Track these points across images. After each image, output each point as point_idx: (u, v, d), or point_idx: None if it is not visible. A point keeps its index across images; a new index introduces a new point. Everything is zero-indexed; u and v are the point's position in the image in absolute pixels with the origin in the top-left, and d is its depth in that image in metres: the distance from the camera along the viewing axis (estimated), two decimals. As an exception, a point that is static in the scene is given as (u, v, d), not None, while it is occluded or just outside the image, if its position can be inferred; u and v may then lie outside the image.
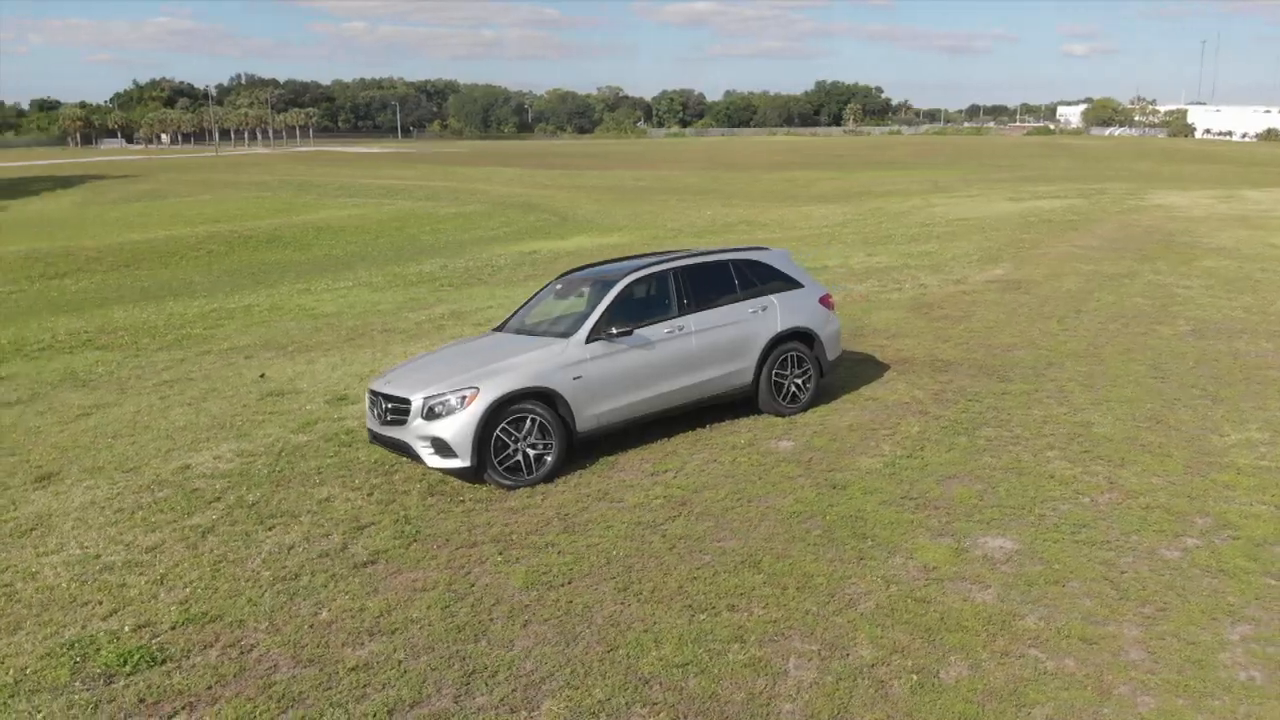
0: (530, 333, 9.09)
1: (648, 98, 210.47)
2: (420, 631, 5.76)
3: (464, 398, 7.94)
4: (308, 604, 6.24)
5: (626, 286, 9.02)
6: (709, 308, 9.30)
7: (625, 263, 9.76)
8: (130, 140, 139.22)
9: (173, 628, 6.06)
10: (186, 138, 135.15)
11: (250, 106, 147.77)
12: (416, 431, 8.00)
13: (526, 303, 9.95)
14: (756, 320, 9.51)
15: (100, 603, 6.57)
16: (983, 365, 11.56)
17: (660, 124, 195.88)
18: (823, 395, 10.31)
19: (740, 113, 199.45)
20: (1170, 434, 8.91)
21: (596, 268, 9.86)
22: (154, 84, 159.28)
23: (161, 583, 6.81)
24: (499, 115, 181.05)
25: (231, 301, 23.48)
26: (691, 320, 9.13)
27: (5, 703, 5.30)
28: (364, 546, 7.10)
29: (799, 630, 5.59)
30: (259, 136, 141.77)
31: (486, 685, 5.15)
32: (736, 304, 9.45)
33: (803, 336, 9.81)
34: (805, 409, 9.82)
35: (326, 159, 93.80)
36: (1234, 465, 8.08)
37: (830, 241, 28.30)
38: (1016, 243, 24.31)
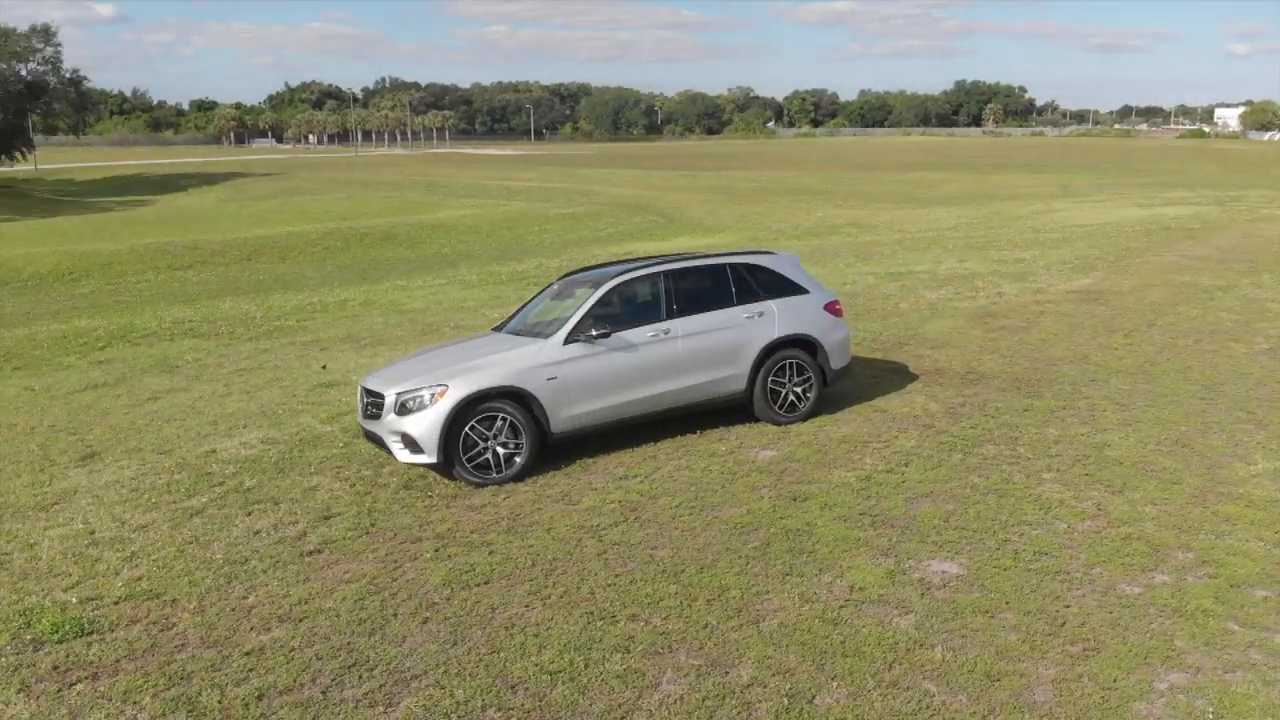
0: (522, 333, 9.15)
1: (779, 98, 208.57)
2: (325, 621, 5.88)
3: (434, 394, 8.06)
4: (240, 588, 6.46)
5: (611, 289, 8.98)
6: (699, 312, 9.14)
7: (620, 265, 9.71)
8: (280, 140, 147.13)
9: (115, 602, 6.38)
10: (332, 138, 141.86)
11: (392, 109, 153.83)
12: (389, 426, 8.18)
13: (528, 303, 10.01)
14: (751, 326, 9.29)
15: (69, 575, 6.97)
16: (1019, 379, 10.97)
17: (791, 124, 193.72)
18: (829, 405, 10.00)
19: (874, 113, 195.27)
20: (1190, 459, 8.25)
21: (596, 270, 9.84)
22: (304, 86, 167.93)
23: (131, 559, 7.18)
24: (628, 117, 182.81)
25: (331, 296, 24.50)
26: (678, 324, 9.00)
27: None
28: (319, 536, 7.30)
29: (688, 644, 5.44)
30: (398, 138, 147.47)
31: (359, 679, 5.22)
32: (730, 309, 9.26)
33: (803, 344, 9.53)
34: (804, 418, 9.54)
35: (457, 160, 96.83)
36: (1246, 497, 7.42)
37: (930, 246, 27.41)
38: (1121, 251, 22.99)
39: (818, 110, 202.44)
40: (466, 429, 8.05)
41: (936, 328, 14.16)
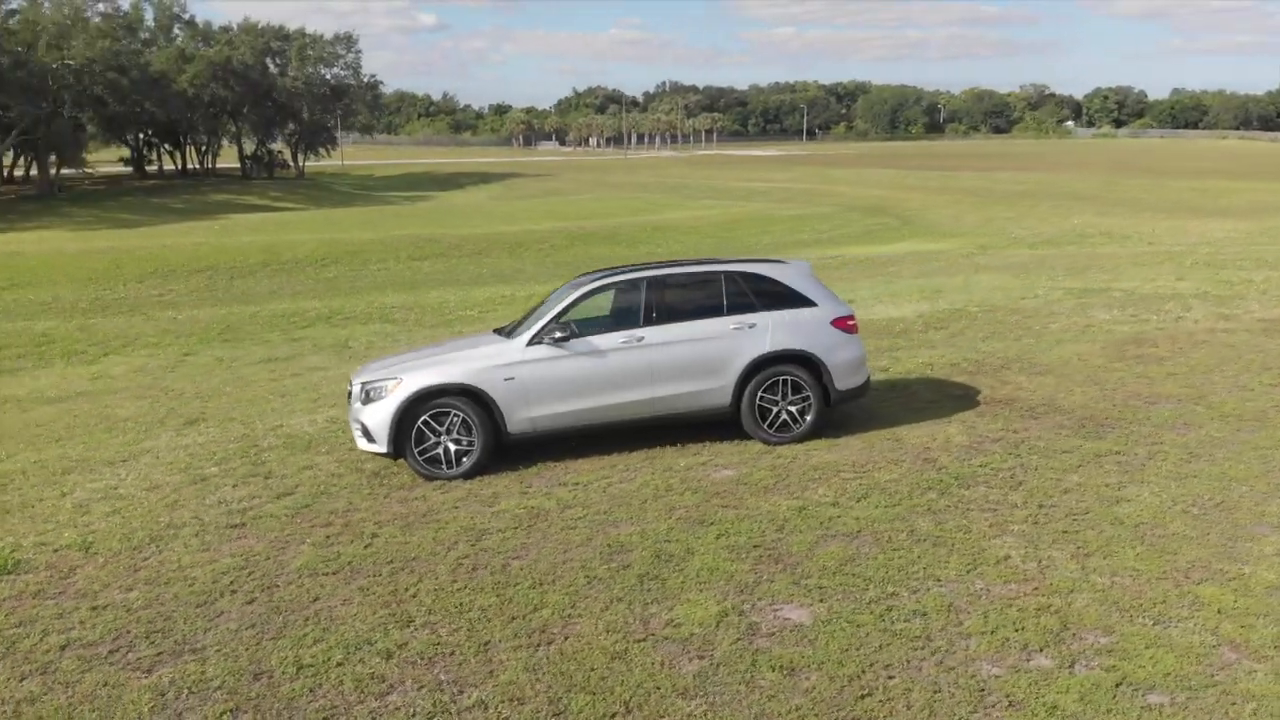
0: (510, 333, 9.21)
1: (1077, 95, 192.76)
2: (177, 589, 6.29)
3: (390, 387, 8.34)
4: (153, 550, 7.05)
5: (588, 292, 8.84)
6: (682, 320, 8.78)
7: (625, 269, 9.51)
8: (562, 143, 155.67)
9: (54, 550, 7.17)
10: (608, 141, 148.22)
11: (668, 112, 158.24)
12: (353, 415, 8.56)
13: (541, 304, 10.05)
14: (740, 338, 8.78)
15: (56, 521, 7.91)
16: (1094, 416, 9.61)
17: (1090, 124, 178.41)
18: (840, 427, 9.28)
19: (1187, 113, 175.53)
20: (1211, 527, 6.89)
21: (602, 272, 9.70)
22: (589, 91, 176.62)
23: (109, 514, 8.02)
24: (907, 116, 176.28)
25: (526, 290, 25.73)
26: (654, 332, 8.68)
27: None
28: (257, 511, 7.79)
29: (453, 658, 5.30)
30: (668, 141, 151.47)
31: (148, 644, 5.56)
32: (715, 319, 8.81)
33: (800, 360, 8.88)
34: (800, 440, 8.90)
35: (717, 162, 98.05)
36: (1240, 579, 6.10)
37: (1165, 261, 24.58)
38: (1381, 276, 19.36)
39: (1121, 109, 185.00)
40: (419, 423, 8.26)
41: (1061, 352, 12.67)
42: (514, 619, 5.73)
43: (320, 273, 33.91)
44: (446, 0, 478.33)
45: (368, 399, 8.44)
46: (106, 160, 77.52)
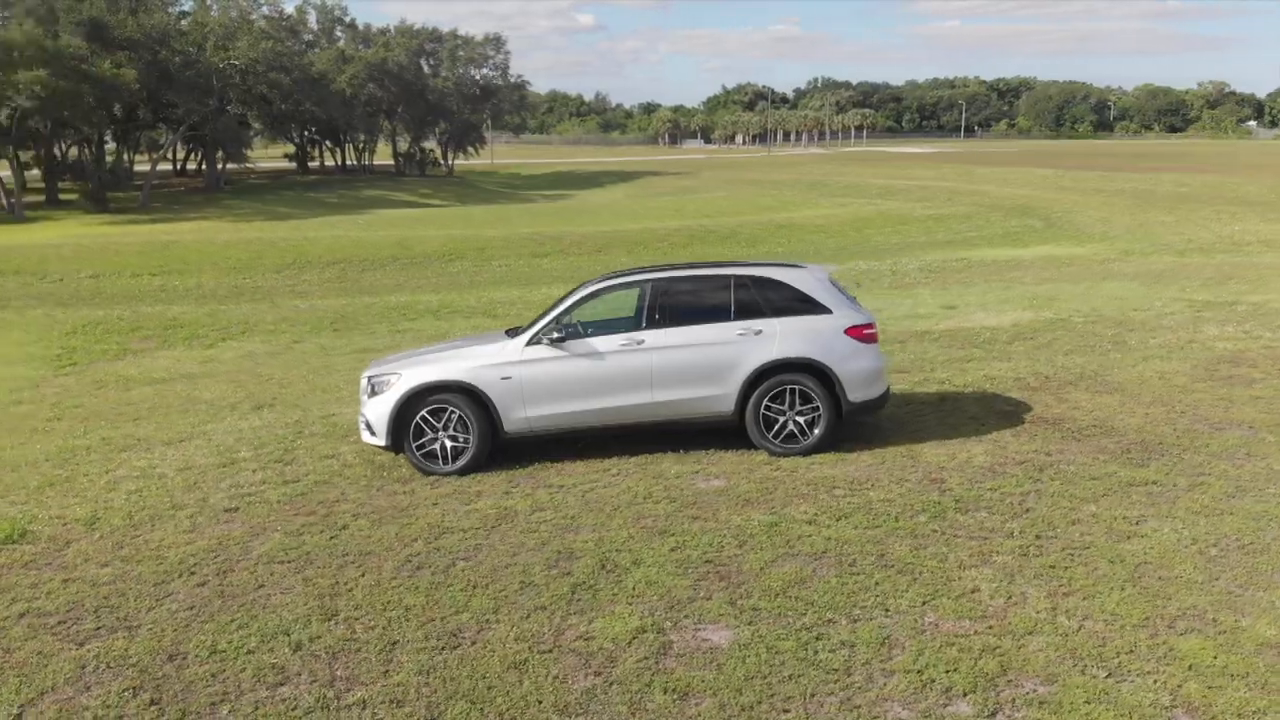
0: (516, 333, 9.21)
1: (1260, 94, 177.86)
2: (144, 568, 6.59)
3: (391, 382, 8.50)
4: (149, 530, 7.41)
5: (592, 293, 8.75)
6: (685, 324, 8.57)
7: (637, 270, 9.36)
8: (708, 141, 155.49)
9: (64, 523, 7.64)
10: (756, 139, 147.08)
11: (819, 109, 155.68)
12: (361, 407, 8.76)
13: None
14: (745, 344, 8.50)
15: (83, 496, 8.42)
16: (1146, 442, 8.84)
17: (1273, 124, 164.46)
18: (859, 439, 8.88)
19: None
20: (1221, 571, 6.21)
21: (617, 273, 9.58)
22: (738, 89, 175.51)
23: (133, 493, 8.48)
24: (1074, 113, 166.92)
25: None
26: (655, 335, 8.51)
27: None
28: (255, 496, 8.08)
29: (358, 656, 5.33)
30: (815, 138, 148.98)
31: (91, 618, 5.85)
32: (720, 324, 8.55)
33: (809, 369, 8.52)
34: (808, 452, 8.54)
35: (862, 159, 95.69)
36: (1231, 633, 5.47)
37: (1280, 274, 22.65)
38: None
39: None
40: (417, 418, 8.38)
41: (1144, 369, 11.73)
42: (431, 621, 5.73)
43: (445, 267, 34.98)
44: (606, 1, 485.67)
45: (373, 393, 8.63)
46: (272, 156, 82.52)
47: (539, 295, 25.60)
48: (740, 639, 5.46)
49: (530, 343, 8.49)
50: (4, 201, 48.34)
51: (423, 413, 8.37)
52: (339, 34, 74.23)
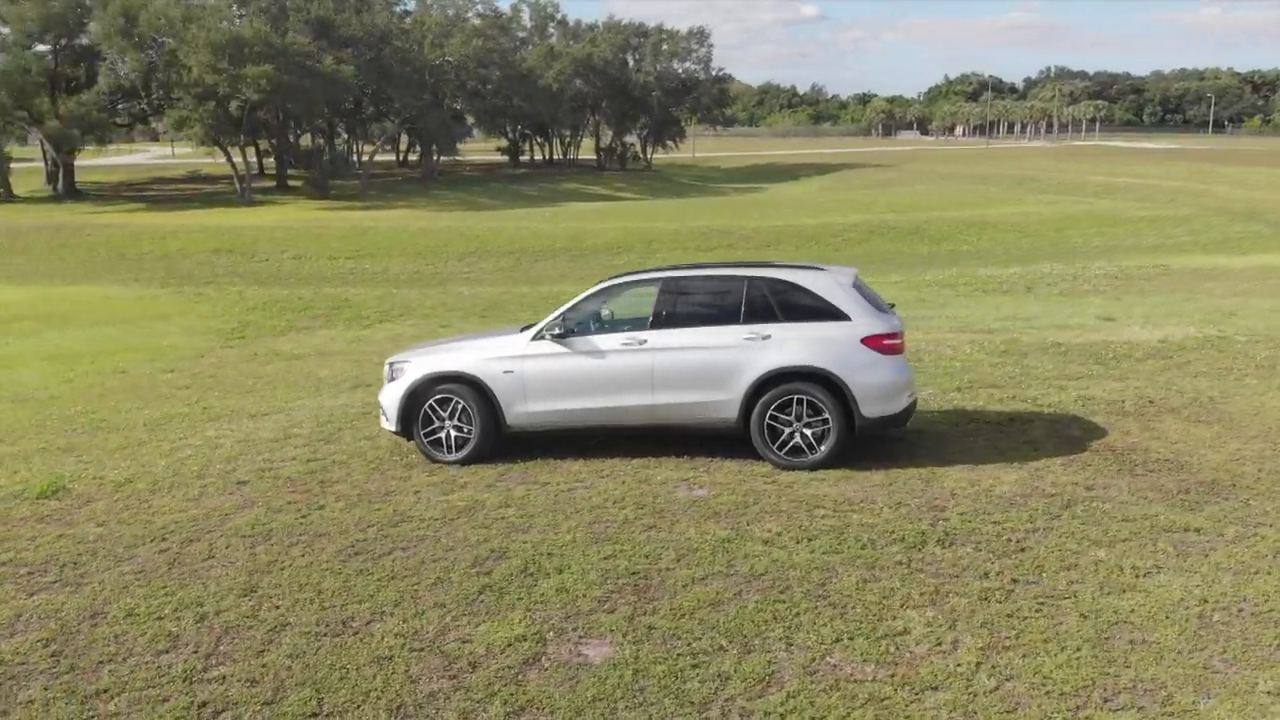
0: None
1: None
2: (126, 530, 7.09)
3: (403, 370, 8.71)
4: (163, 495, 7.97)
5: (601, 291, 8.59)
6: (692, 326, 8.26)
7: (652, 269, 9.10)
8: (924, 132, 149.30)
9: (100, 484, 8.34)
10: (977, 130, 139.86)
11: (1051, 99, 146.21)
12: (380, 393, 9.03)
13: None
14: (751, 349, 8.07)
15: (137, 460, 9.15)
16: (1214, 481, 7.76)
17: None
18: (877, 456, 8.28)
19: None
20: (1211, 642, 5.35)
21: (633, 271, 9.37)
22: (962, 79, 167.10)
23: (181, 460, 9.14)
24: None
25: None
26: (659, 336, 8.24)
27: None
28: (273, 473, 8.49)
29: (243, 633, 5.51)
30: (1043, 130, 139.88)
31: (53, 573, 6.36)
32: (727, 327, 8.17)
33: (818, 379, 7.99)
34: (815, 467, 8.04)
35: (1088, 154, 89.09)
36: (1177, 716, 4.69)
37: None
38: None
39: None
40: (426, 407, 8.55)
41: (1266, 401, 10.29)
42: (332, 607, 5.83)
43: (610, 259, 35.55)
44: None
45: (390, 379, 8.89)
46: (486, 150, 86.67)
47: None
48: (615, 658, 5.22)
49: (535, 338, 8.47)
50: (236, 186, 53.47)
51: (430, 401, 8.53)
52: (551, 30, 76.87)
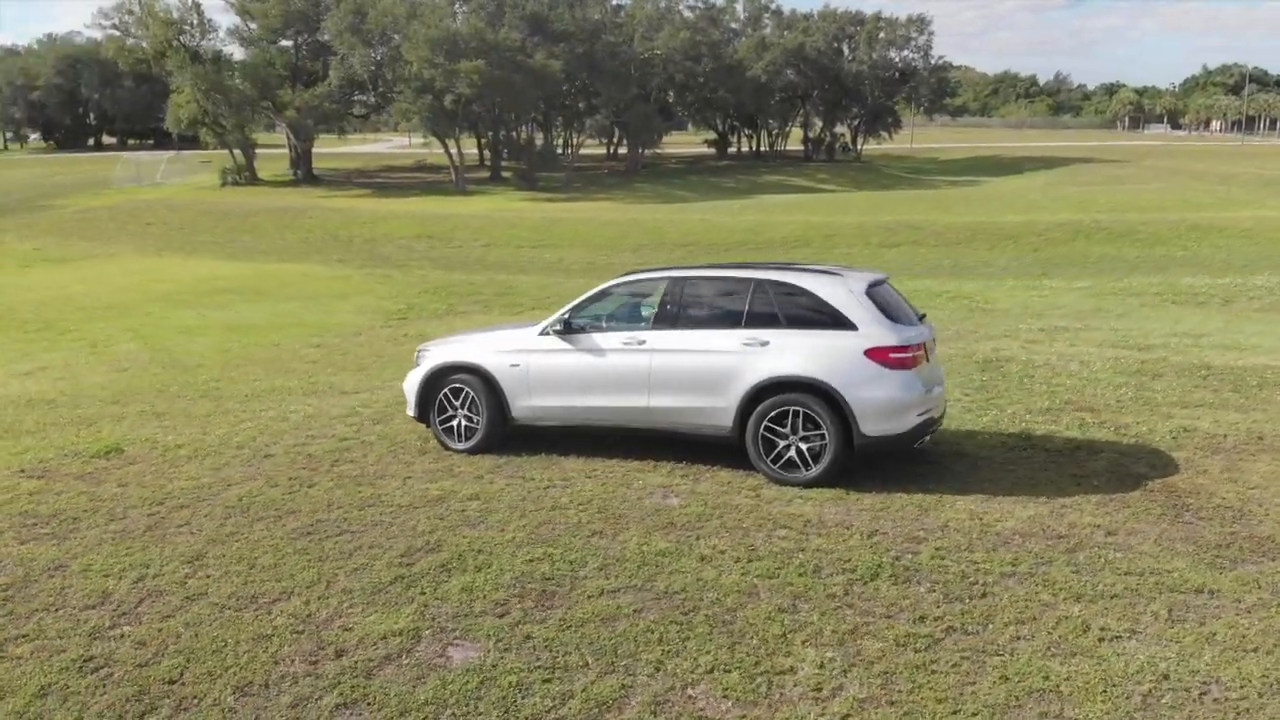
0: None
1: None
2: (132, 493, 7.67)
3: (424, 359, 8.93)
4: (193, 464, 8.58)
5: (610, 288, 8.43)
6: (692, 328, 7.94)
7: (665, 268, 8.84)
8: (1175, 126, 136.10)
9: (152, 447, 9.08)
10: (1235, 125, 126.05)
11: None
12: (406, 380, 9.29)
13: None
14: (748, 356, 7.66)
15: (205, 429, 9.90)
16: (1268, 538, 6.69)
17: None
18: (884, 479, 7.69)
19: None
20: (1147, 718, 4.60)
21: (643, 269, 9.14)
22: (1223, 69, 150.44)
23: (241, 432, 9.80)
24: None
25: (945, 285, 24.18)
26: (658, 337, 7.98)
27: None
28: (304, 450, 8.94)
29: (147, 592, 5.85)
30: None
31: (45, 524, 6.98)
32: (726, 331, 7.79)
33: (816, 391, 7.47)
34: (809, 484, 7.55)
35: (1371, 151, 78.33)
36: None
37: None
38: None
39: None
40: (441, 395, 8.73)
41: None
42: (253, 582, 6.07)
43: (784, 253, 34.89)
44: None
45: (415, 366, 9.14)
46: (694, 142, 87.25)
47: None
48: (474, 663, 5.14)
49: (542, 333, 8.45)
50: (452, 176, 56.65)
51: (445, 390, 8.71)
52: (766, 21, 76.25)
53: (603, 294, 8.48)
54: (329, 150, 79.52)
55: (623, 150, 75.53)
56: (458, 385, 8.66)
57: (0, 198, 53.16)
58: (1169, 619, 5.58)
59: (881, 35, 73.70)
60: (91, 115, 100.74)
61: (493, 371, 8.52)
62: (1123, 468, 8.20)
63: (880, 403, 7.42)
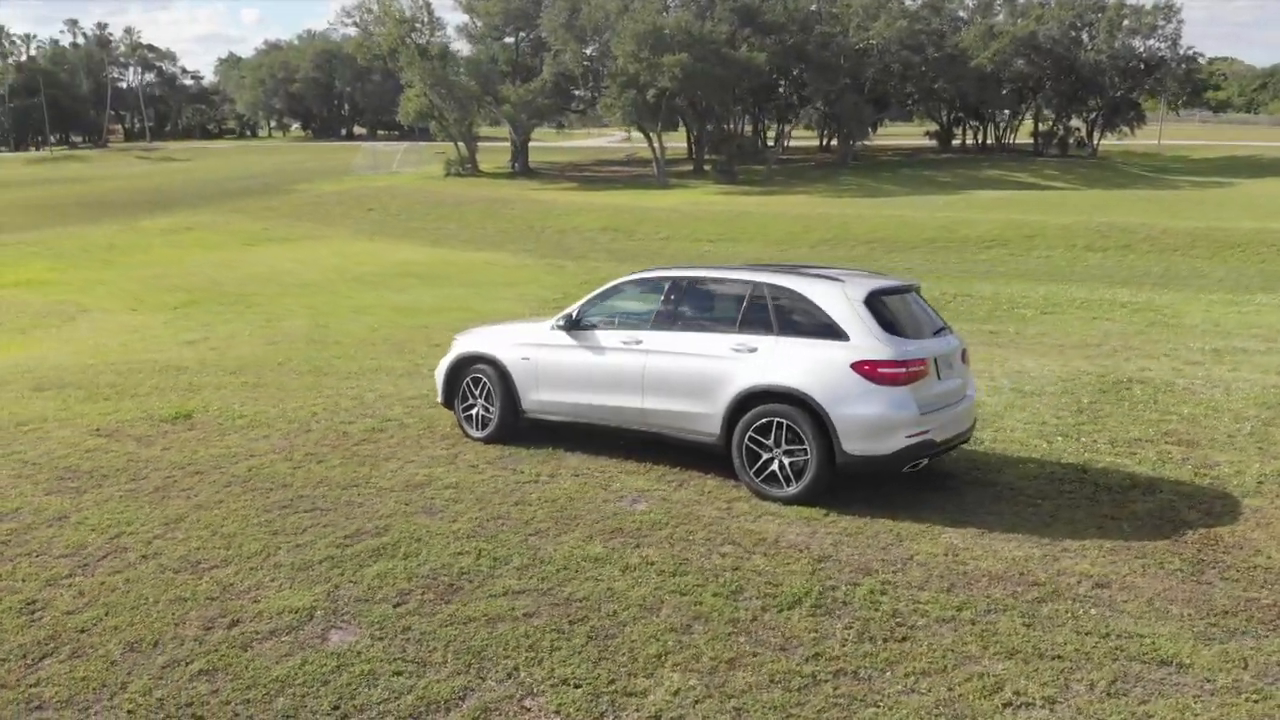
0: None
1: None
2: (169, 457, 8.33)
3: (452, 348, 9.15)
4: (237, 434, 9.22)
5: (621, 284, 8.29)
6: (688, 330, 7.66)
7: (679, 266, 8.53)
8: None
9: (219, 416, 9.82)
10: None
11: None
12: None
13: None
14: (736, 362, 7.30)
15: (278, 402, 10.60)
16: (1302, 611, 5.67)
17: None
18: (879, 503, 7.14)
19: None
20: None
21: (655, 267, 8.85)
22: None
23: (305, 407, 10.43)
24: None
25: (1121, 295, 22.16)
26: (655, 338, 7.75)
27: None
28: (338, 431, 9.38)
29: (105, 552, 6.35)
30: None
31: (79, 476, 7.72)
32: (721, 335, 7.46)
33: (799, 403, 7.01)
34: (791, 501, 7.12)
35: None
36: None
37: None
38: None
39: None
40: (464, 383, 8.92)
41: None
42: (205, 549, 6.45)
43: (973, 254, 33.08)
44: None
45: (447, 354, 9.39)
46: (914, 134, 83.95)
47: (1014, 291, 22.98)
48: (343, 648, 5.25)
49: (553, 328, 8.45)
50: (654, 170, 57.50)
51: (467, 379, 8.89)
52: (998, 7, 72.13)
53: (614, 290, 8.37)
54: (549, 144, 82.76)
55: (835, 143, 73.82)
56: (477, 375, 8.82)
57: (249, 181, 59.21)
58: (1105, 692, 4.87)
59: (1125, 23, 67.80)
60: (345, 107, 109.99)
61: (506, 363, 8.62)
62: (1171, 512, 7.20)
63: (865, 420, 6.89)
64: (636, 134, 68.43)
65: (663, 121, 56.58)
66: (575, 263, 30.87)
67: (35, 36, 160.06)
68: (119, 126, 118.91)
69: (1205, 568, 6.24)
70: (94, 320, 20.62)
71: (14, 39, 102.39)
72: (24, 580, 6.06)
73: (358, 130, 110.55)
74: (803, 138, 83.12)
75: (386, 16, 57.97)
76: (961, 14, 71.18)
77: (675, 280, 8.06)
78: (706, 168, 60.75)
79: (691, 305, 7.86)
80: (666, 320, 7.87)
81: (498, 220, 43.40)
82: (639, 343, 7.89)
